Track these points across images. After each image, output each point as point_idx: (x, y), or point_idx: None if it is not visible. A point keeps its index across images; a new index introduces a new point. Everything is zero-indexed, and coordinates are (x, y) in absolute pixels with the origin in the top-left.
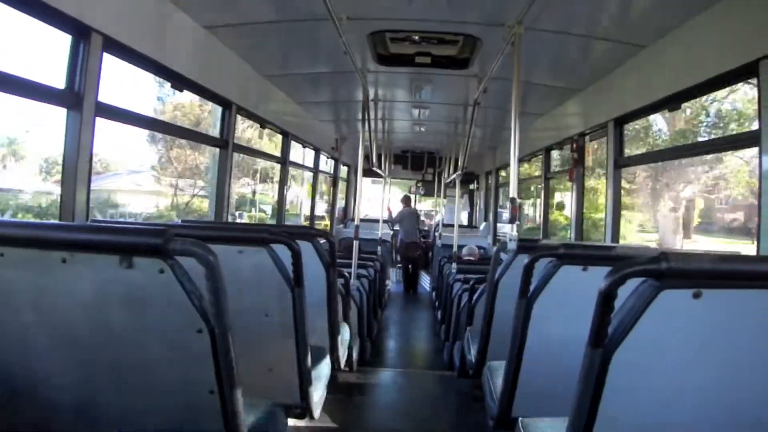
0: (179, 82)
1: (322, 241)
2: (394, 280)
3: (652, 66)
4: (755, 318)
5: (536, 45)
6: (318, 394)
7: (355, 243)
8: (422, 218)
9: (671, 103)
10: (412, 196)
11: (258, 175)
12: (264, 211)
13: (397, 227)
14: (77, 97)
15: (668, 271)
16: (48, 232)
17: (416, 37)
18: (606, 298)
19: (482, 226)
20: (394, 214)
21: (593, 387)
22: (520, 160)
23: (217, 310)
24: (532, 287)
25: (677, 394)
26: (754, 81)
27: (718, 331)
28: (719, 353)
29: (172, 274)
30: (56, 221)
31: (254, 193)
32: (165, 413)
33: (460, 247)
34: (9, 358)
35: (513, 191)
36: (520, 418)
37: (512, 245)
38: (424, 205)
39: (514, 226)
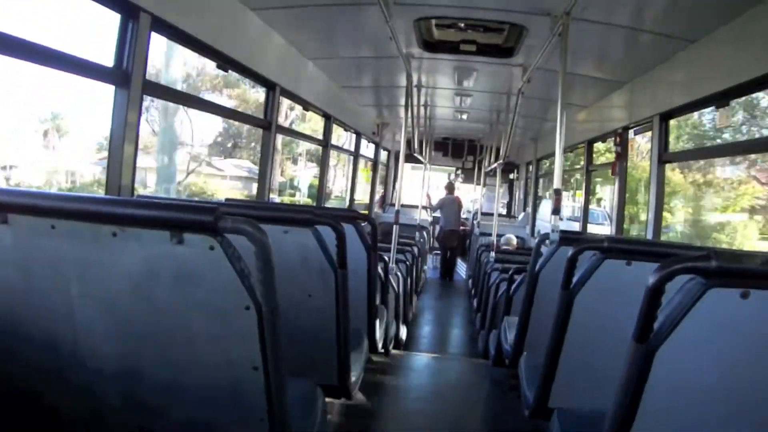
0: (225, 62)
1: (364, 224)
2: (430, 266)
3: (700, 61)
4: None
5: (582, 36)
6: (355, 375)
7: (395, 228)
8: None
9: (719, 99)
10: (456, 184)
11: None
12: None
13: (437, 213)
14: (125, 75)
15: (717, 270)
16: (100, 206)
17: (462, 25)
18: (654, 293)
19: (521, 216)
20: (433, 201)
21: (635, 382)
22: (563, 152)
23: (265, 287)
24: (574, 280)
25: (720, 393)
26: None
27: (765, 332)
28: (765, 355)
29: (221, 251)
30: (109, 196)
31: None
32: (208, 388)
33: (499, 236)
34: (57, 329)
35: (557, 182)
36: (555, 409)
37: (554, 237)
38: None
39: (557, 217)
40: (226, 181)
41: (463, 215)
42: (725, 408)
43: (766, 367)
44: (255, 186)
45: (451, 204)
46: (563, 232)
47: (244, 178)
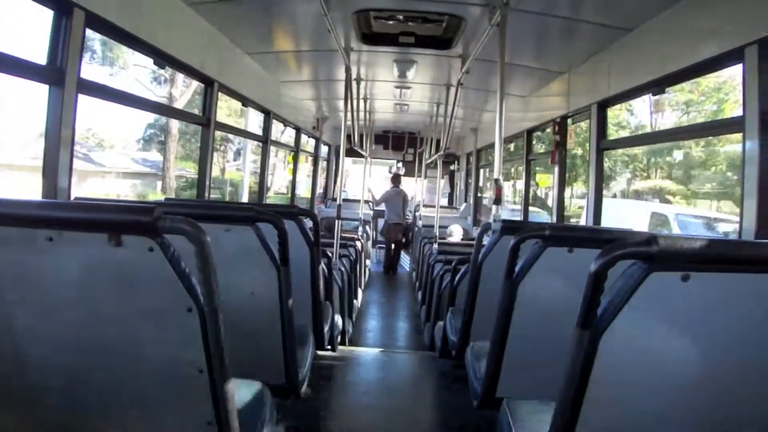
0: (162, 59)
1: (306, 219)
2: (374, 260)
3: (637, 50)
4: (742, 301)
5: (520, 26)
6: (303, 373)
7: (338, 223)
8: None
9: (655, 87)
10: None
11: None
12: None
13: (381, 207)
14: (59, 74)
15: (659, 254)
16: (34, 210)
17: (401, 17)
18: (596, 279)
19: (462, 206)
20: (376, 195)
21: (581, 368)
22: (503, 142)
23: (207, 288)
24: (517, 268)
25: (665, 375)
26: (739, 67)
27: (706, 313)
28: (706, 335)
29: (161, 252)
30: (43, 199)
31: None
32: (154, 392)
33: (442, 227)
34: None
35: (497, 172)
36: (504, 399)
37: (496, 226)
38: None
39: (498, 207)
40: (107, 180)
41: (409, 208)
42: (670, 390)
43: (708, 347)
44: (158, 185)
45: (396, 197)
46: (505, 221)
47: (142, 174)
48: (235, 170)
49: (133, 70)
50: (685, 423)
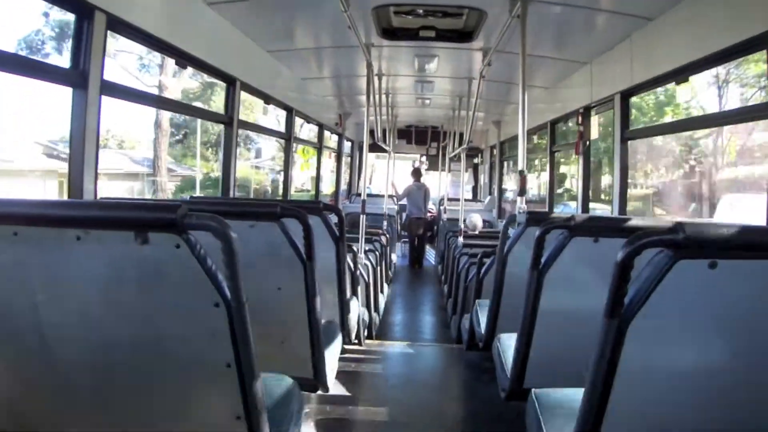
0: (183, 59)
1: (331, 215)
2: (399, 254)
3: (659, 39)
4: None
5: (541, 17)
6: (330, 367)
7: (362, 217)
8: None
9: (678, 75)
10: (422, 170)
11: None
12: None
13: (404, 201)
14: (82, 76)
15: (685, 242)
16: (62, 209)
17: (420, 11)
18: (623, 269)
19: (487, 199)
20: (399, 190)
21: (609, 357)
22: (527, 134)
23: (233, 283)
24: (543, 259)
25: (693, 363)
26: (763, 54)
27: (733, 300)
28: (734, 323)
29: (187, 248)
30: (71, 199)
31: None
32: (183, 388)
33: (465, 220)
34: (24, 337)
35: (521, 163)
36: (532, 390)
37: (521, 218)
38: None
39: (523, 198)
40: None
41: (431, 202)
42: (698, 377)
43: (735, 334)
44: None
45: (417, 191)
46: (530, 212)
47: (131, 176)
48: (251, 167)
49: (120, 58)
50: (715, 410)
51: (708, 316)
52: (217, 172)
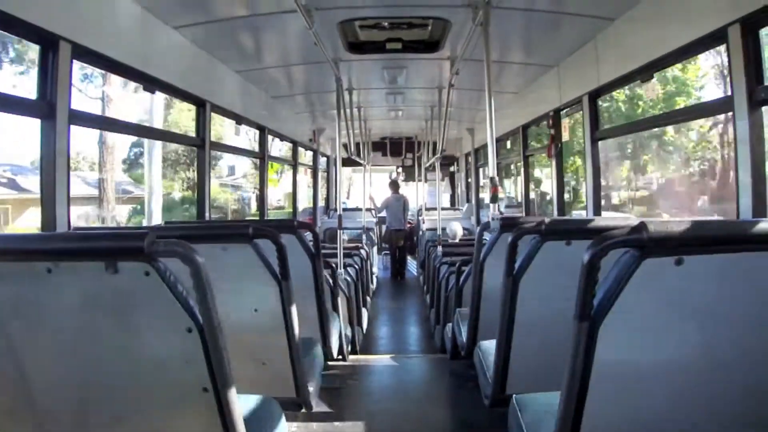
0: (152, 84)
1: (306, 232)
2: (380, 266)
3: (623, 38)
4: (737, 281)
5: (506, 23)
6: (312, 385)
7: (339, 232)
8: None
9: (643, 73)
10: (400, 182)
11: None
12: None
13: (383, 213)
14: (50, 107)
15: (649, 240)
16: (31, 243)
17: (386, 24)
18: (589, 270)
19: (464, 207)
20: (377, 202)
21: (583, 359)
22: (499, 140)
23: (204, 307)
24: (517, 265)
25: (666, 359)
26: (723, 47)
27: (702, 295)
28: (704, 317)
29: (157, 275)
30: (39, 232)
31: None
32: (161, 414)
33: (444, 229)
34: (1, 369)
35: (492, 170)
36: (514, 395)
37: (495, 224)
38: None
39: (495, 205)
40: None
41: (410, 213)
42: (673, 373)
43: (705, 328)
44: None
45: (396, 203)
46: (503, 218)
47: (82, 199)
48: (218, 186)
49: None
50: (690, 404)
51: (677, 312)
52: (180, 192)
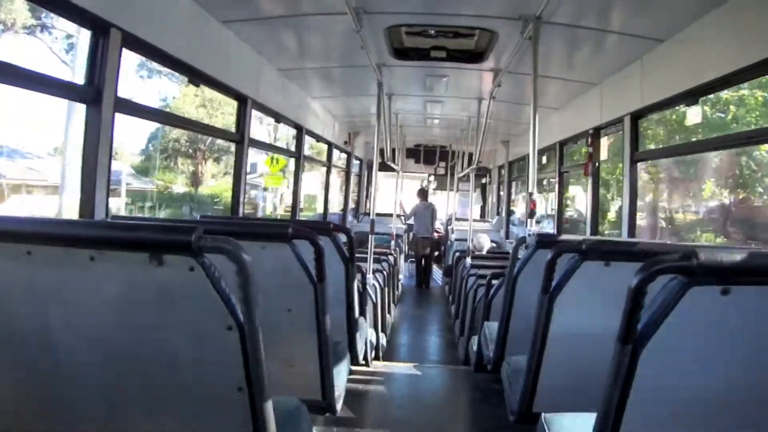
0: (196, 77)
1: (340, 235)
2: (406, 274)
3: (669, 61)
4: None
5: (552, 38)
6: (338, 389)
7: (371, 238)
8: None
9: (688, 98)
10: (429, 190)
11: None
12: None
13: (411, 221)
14: (97, 93)
15: (698, 268)
16: (77, 229)
17: (432, 31)
18: (636, 294)
19: (494, 220)
20: (407, 209)
21: (622, 382)
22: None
23: (247, 307)
24: (553, 283)
25: (705, 391)
26: None
27: (746, 327)
28: (747, 350)
29: (202, 271)
30: (82, 219)
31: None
32: (193, 411)
33: (473, 241)
34: (37, 357)
35: (532, 185)
36: (542, 414)
37: (531, 240)
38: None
39: (533, 220)
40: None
41: (438, 222)
42: (711, 404)
43: (749, 361)
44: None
45: (424, 210)
46: (540, 235)
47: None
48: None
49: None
50: None
51: (721, 343)
52: (180, 187)
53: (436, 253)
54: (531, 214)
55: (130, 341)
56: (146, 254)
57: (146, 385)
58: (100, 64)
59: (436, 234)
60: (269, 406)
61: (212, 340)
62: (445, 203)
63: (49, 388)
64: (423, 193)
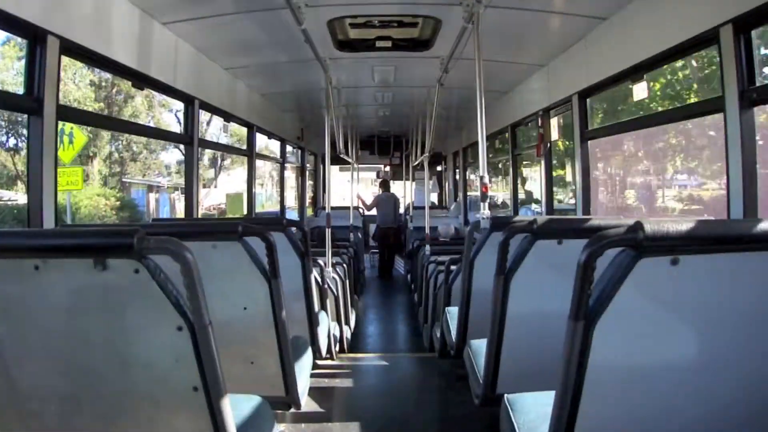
0: (140, 80)
1: (295, 230)
2: (368, 265)
3: (613, 38)
4: (732, 280)
5: (495, 23)
6: (302, 384)
7: (328, 231)
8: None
9: (633, 74)
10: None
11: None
12: None
13: (373, 212)
14: (38, 102)
15: (645, 240)
16: (18, 239)
17: (376, 21)
18: (585, 270)
19: (452, 206)
20: (367, 200)
21: (577, 359)
22: (487, 139)
23: (195, 305)
24: (508, 264)
25: (661, 360)
26: (715, 49)
27: (698, 295)
28: (699, 317)
29: (147, 273)
30: (26, 228)
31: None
32: (150, 413)
33: (433, 228)
34: None
35: (482, 170)
36: (505, 395)
37: (485, 223)
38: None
39: (486, 203)
40: None
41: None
42: (667, 374)
43: (701, 328)
44: None
45: (387, 201)
46: (493, 218)
47: None
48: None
49: None
50: (685, 404)
51: (673, 313)
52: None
53: (398, 243)
54: (483, 197)
55: (81, 347)
56: (90, 260)
57: (101, 391)
58: (38, 73)
59: (398, 224)
60: (227, 405)
61: (163, 341)
62: (402, 193)
63: (3, 400)
64: (385, 184)
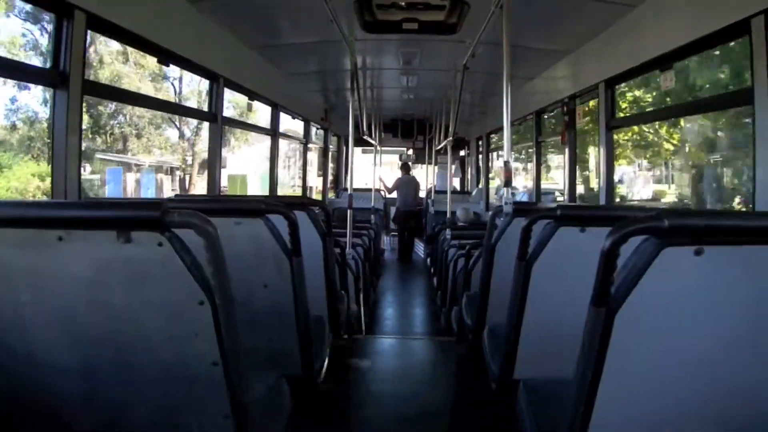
0: (166, 56)
1: (317, 210)
2: (388, 248)
3: (643, 26)
4: (756, 273)
5: (524, 7)
6: (320, 363)
7: (349, 212)
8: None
9: (662, 63)
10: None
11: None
12: None
13: (393, 194)
14: (63, 76)
15: (670, 229)
16: (43, 210)
17: (403, 3)
18: (608, 257)
19: (474, 191)
20: (388, 183)
21: (597, 346)
22: (512, 124)
23: (218, 281)
24: (529, 250)
25: (681, 350)
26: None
27: (721, 287)
28: (722, 309)
29: (170, 246)
30: (51, 200)
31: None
32: (169, 387)
33: (454, 213)
34: (8, 340)
35: (507, 155)
36: (521, 380)
37: (508, 209)
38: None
39: (509, 189)
40: None
41: (421, 195)
42: (687, 365)
43: (723, 320)
44: None
45: (407, 184)
46: (516, 203)
47: None
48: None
49: None
50: (703, 397)
51: (695, 303)
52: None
53: (417, 226)
54: (507, 182)
55: (103, 320)
56: (114, 232)
57: (121, 363)
58: (65, 47)
59: (418, 207)
60: (245, 381)
61: (184, 316)
62: (424, 176)
63: (24, 371)
64: (406, 167)
